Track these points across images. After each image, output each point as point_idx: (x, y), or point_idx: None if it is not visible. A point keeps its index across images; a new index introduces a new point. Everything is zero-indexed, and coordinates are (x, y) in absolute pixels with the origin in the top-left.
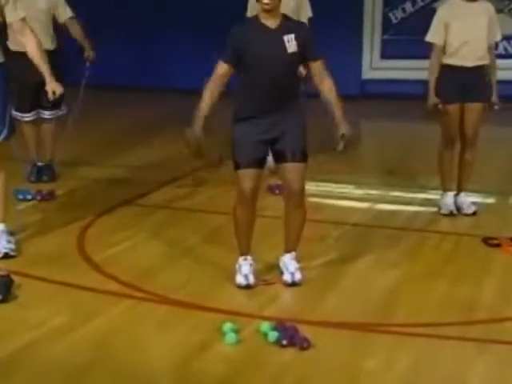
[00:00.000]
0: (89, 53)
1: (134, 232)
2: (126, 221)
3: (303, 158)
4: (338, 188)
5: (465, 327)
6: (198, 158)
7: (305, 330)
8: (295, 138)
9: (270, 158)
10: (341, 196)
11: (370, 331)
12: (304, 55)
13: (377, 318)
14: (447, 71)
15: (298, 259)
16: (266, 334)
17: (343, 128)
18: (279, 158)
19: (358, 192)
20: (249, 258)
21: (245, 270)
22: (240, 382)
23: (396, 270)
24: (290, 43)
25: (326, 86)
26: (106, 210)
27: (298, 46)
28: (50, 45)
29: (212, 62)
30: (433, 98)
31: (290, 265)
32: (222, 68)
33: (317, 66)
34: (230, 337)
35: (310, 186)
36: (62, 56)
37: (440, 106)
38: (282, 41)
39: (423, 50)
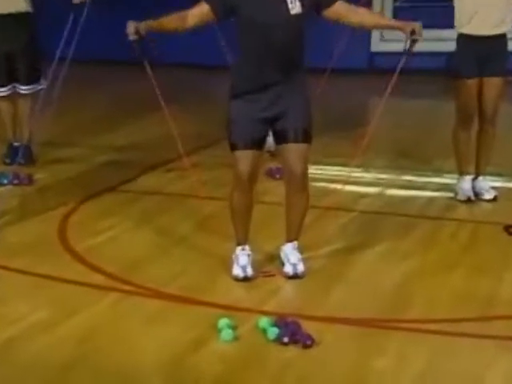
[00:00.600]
0: None
1: (120, 220)
2: (111, 207)
3: (307, 138)
4: (344, 172)
5: (484, 323)
6: (142, 54)
7: (308, 327)
8: (298, 116)
9: (270, 139)
10: (348, 180)
11: (380, 328)
12: (318, 9)
13: (387, 314)
14: (463, 41)
15: (300, 249)
16: (265, 331)
17: (408, 25)
18: (280, 138)
19: (367, 176)
20: (246, 247)
21: (242, 261)
22: (237, 383)
23: (408, 261)
24: (294, 3)
25: (364, 12)
26: (90, 195)
27: (303, 6)
28: (24, 6)
29: (206, 34)
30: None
31: (291, 255)
32: (200, 8)
33: (340, 6)
34: (226, 333)
35: (314, 170)
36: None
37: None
38: (284, 0)
39: (439, 19)
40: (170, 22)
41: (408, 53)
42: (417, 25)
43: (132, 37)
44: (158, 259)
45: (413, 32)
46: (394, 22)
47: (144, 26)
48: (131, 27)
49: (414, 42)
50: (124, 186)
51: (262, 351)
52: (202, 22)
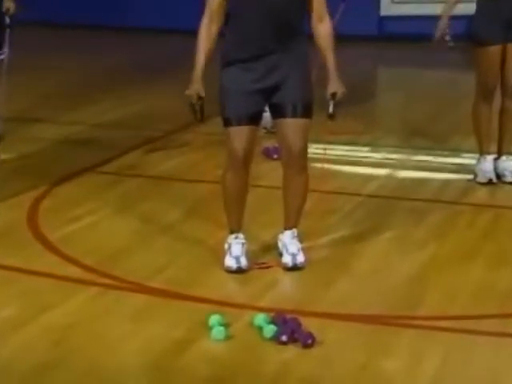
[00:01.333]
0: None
1: (98, 205)
2: (88, 191)
3: (307, 112)
4: (350, 151)
5: (505, 320)
6: (201, 120)
7: (309, 324)
8: (298, 88)
9: (266, 115)
10: (354, 161)
11: (389, 325)
12: None
13: (398, 309)
14: (484, 2)
15: (300, 238)
16: (261, 329)
17: (334, 85)
18: (277, 113)
19: (376, 156)
20: (240, 236)
21: (236, 250)
22: None
23: (421, 251)
24: None
25: (325, 29)
26: (64, 177)
27: None
28: None
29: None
30: (441, 28)
31: (290, 245)
32: (209, 8)
33: (320, 1)
34: (218, 332)
35: (316, 149)
36: None
37: (448, 39)
38: None
39: None
40: (206, 42)
41: (331, 117)
42: (340, 90)
43: (195, 102)
44: (141, 249)
45: (334, 95)
46: (333, 66)
47: (196, 84)
48: (194, 97)
49: (332, 98)
50: (102, 167)
51: (258, 351)
52: (223, 8)
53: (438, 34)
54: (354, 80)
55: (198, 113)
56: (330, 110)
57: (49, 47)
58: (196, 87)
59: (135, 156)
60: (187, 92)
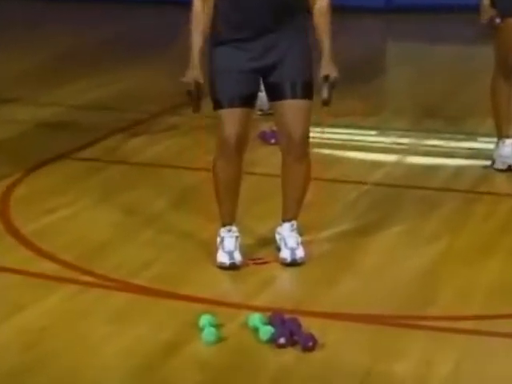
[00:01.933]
0: None
1: (77, 194)
2: (66, 179)
3: (307, 92)
4: (355, 135)
5: None
6: (198, 110)
7: (310, 325)
8: (297, 66)
9: (262, 95)
10: (359, 146)
11: (398, 326)
12: None
13: (407, 309)
14: None
15: (300, 231)
16: (257, 330)
17: (327, 68)
18: (274, 94)
19: (383, 140)
20: (234, 229)
21: (229, 245)
22: None
23: (433, 245)
24: None
25: (322, 5)
26: (39, 164)
27: None
28: None
29: None
30: (487, 10)
31: (289, 238)
32: None
33: None
34: (209, 333)
35: (318, 133)
36: None
37: (497, 20)
38: None
39: None
40: (202, 27)
41: (325, 103)
42: (333, 73)
43: (193, 90)
44: (124, 243)
45: (327, 77)
46: (328, 47)
47: (195, 69)
48: (192, 84)
49: (330, 88)
50: (82, 152)
51: (253, 355)
52: None
53: (485, 17)
54: (359, 56)
55: (196, 102)
56: (325, 94)
57: (31, 22)
58: (194, 73)
59: (118, 140)
60: (184, 79)
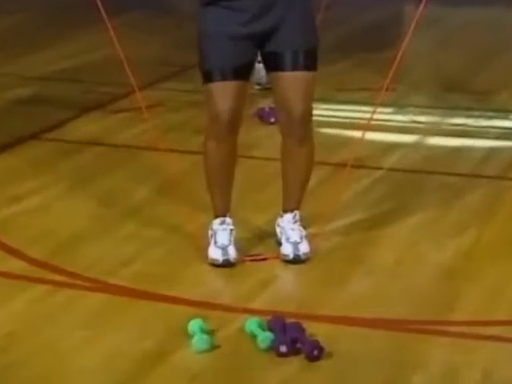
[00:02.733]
0: None
1: (46, 181)
2: (33, 163)
3: (310, 62)
4: (367, 113)
5: None
6: None
7: (315, 331)
8: (298, 31)
9: (260, 66)
10: (372, 126)
11: (417, 332)
12: None
13: (428, 313)
14: None
15: (303, 223)
16: (254, 337)
17: None
18: (272, 64)
19: (400, 119)
20: (228, 220)
21: (222, 238)
22: None
23: (458, 239)
24: None
25: None
26: (1, 146)
27: None
28: None
29: None
30: None
31: (291, 231)
32: None
33: None
34: (200, 341)
35: (323, 111)
36: None
37: None
38: None
39: None
40: None
41: None
42: None
43: None
44: (100, 238)
45: None
46: None
47: None
48: None
49: None
50: (52, 132)
51: (250, 366)
52: None
53: None
54: (372, 21)
55: None
56: None
57: None
58: None
59: (92, 118)
60: None
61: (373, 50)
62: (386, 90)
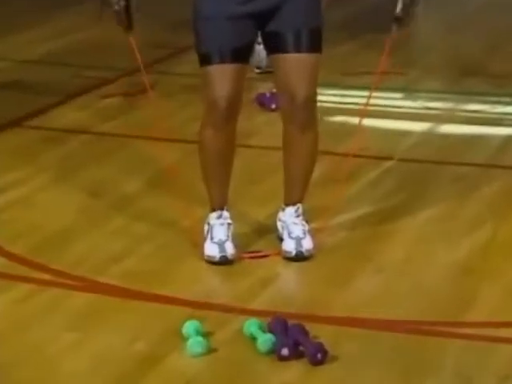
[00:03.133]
0: None
1: (29, 172)
2: (15, 153)
3: (315, 43)
4: (376, 99)
5: None
6: (130, 27)
7: (319, 333)
8: (301, 11)
9: (260, 48)
10: (381, 112)
11: (429, 334)
12: None
13: (440, 314)
14: None
15: (307, 217)
16: (254, 339)
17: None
18: (274, 46)
19: (412, 105)
20: (225, 214)
21: (219, 234)
22: None
23: (473, 234)
24: None
25: None
26: None
27: None
28: None
29: None
30: None
31: (293, 226)
32: None
33: None
34: (195, 344)
35: (328, 97)
36: None
37: None
38: None
39: None
40: None
41: (397, 20)
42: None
43: (117, 6)
44: (89, 233)
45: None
46: None
47: None
48: (115, 2)
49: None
50: (35, 119)
51: (250, 370)
52: None
53: None
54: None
55: (124, 17)
56: (398, 8)
57: None
58: None
59: (79, 105)
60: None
61: (381, 31)
62: (397, 73)
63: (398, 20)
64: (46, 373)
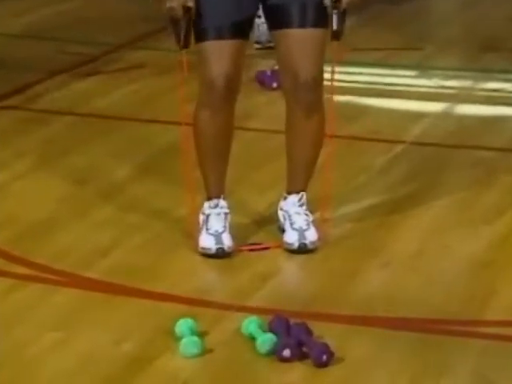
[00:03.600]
0: None
1: (9, 157)
2: None
3: (321, 18)
4: (387, 77)
5: None
6: (186, 46)
7: (324, 332)
8: None
9: (260, 22)
10: (393, 92)
11: (445, 333)
12: None
13: (456, 312)
14: None
15: (310, 206)
16: (253, 339)
17: None
18: (277, 20)
19: (426, 84)
20: (222, 203)
21: (215, 224)
22: None
23: (493, 225)
24: None
25: None
26: None
27: None
28: None
29: None
30: None
31: (296, 216)
32: None
33: None
34: (190, 344)
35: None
36: None
37: None
38: None
39: None
40: None
41: (335, 35)
42: None
43: (181, 18)
44: (73, 223)
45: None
46: None
47: None
48: (178, 10)
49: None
50: (14, 98)
51: (248, 373)
52: None
53: None
54: None
55: (184, 34)
56: (334, 24)
57: None
58: None
59: (63, 83)
60: (168, 3)
61: (391, 2)
62: (411, 49)
63: (337, 34)
64: (28, 374)
